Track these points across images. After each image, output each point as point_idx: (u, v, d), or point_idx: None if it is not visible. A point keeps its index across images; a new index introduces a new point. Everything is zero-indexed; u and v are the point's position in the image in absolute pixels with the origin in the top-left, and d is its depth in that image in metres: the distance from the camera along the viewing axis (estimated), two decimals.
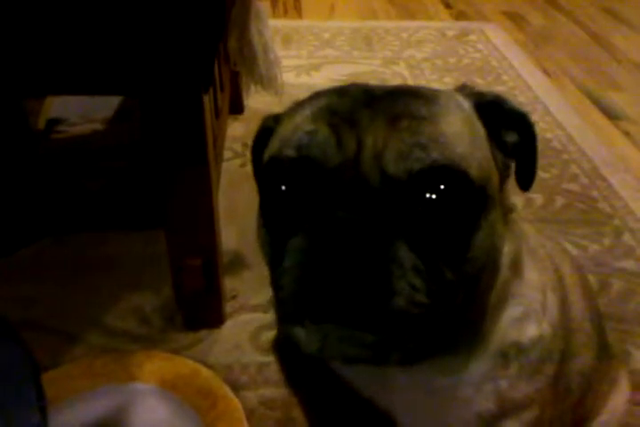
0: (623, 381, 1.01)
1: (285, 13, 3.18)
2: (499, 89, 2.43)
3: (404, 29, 3.00)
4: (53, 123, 1.90)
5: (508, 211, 0.67)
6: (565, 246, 1.54)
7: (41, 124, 1.88)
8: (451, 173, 0.56)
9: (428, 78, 2.53)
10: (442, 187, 0.56)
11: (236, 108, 2.15)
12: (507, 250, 0.66)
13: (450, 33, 2.98)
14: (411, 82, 2.48)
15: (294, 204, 0.58)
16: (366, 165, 0.56)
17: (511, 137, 0.66)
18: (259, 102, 2.13)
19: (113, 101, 1.97)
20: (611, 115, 2.33)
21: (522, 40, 2.95)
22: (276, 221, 0.60)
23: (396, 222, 0.54)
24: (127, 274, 1.50)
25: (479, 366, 0.68)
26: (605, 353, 0.95)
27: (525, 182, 0.68)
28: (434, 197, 0.56)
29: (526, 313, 0.69)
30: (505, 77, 2.56)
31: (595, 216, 1.78)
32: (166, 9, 1.01)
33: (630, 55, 2.81)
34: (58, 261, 1.53)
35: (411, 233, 0.54)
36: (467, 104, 0.65)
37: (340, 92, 0.63)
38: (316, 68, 2.58)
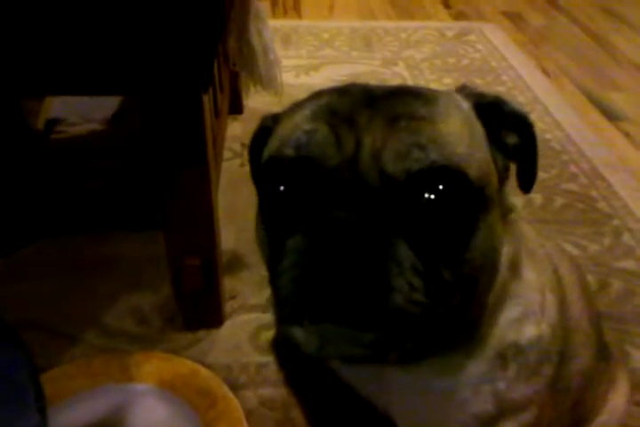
0: (622, 381, 1.01)
1: (285, 14, 3.18)
2: (498, 89, 2.43)
3: (403, 30, 3.00)
4: (53, 123, 1.90)
5: (507, 211, 0.67)
6: (564, 247, 1.54)
7: (40, 124, 1.88)
8: (449, 173, 0.56)
9: (427, 78, 2.53)
10: (440, 187, 0.56)
11: (236, 108, 2.15)
12: (505, 251, 0.66)
13: (449, 33, 2.98)
14: (410, 82, 2.48)
15: (293, 203, 0.58)
16: (365, 165, 0.56)
17: (512, 138, 0.66)
18: (258, 102, 2.13)
19: (112, 102, 1.97)
20: (610, 115, 2.33)
21: (521, 40, 2.95)
22: (274, 221, 0.60)
23: (395, 222, 0.54)
24: (126, 274, 1.50)
25: (477, 367, 0.67)
26: (604, 353, 0.95)
27: (526, 184, 0.68)
28: (432, 197, 0.56)
29: (525, 314, 0.69)
30: (504, 78, 2.56)
31: (594, 216, 1.78)
32: (166, 9, 1.01)
33: (630, 55, 2.81)
34: (57, 261, 1.53)
35: (409, 233, 0.54)
36: (466, 105, 0.65)
37: (340, 91, 0.63)
38: (316, 68, 2.58)
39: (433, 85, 2.42)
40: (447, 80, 2.52)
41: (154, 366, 1.20)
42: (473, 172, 0.58)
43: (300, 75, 2.51)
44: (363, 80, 0.67)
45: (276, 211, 0.60)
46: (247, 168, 0.75)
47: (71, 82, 1.07)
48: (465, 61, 2.70)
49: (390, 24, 3.09)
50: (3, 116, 1.66)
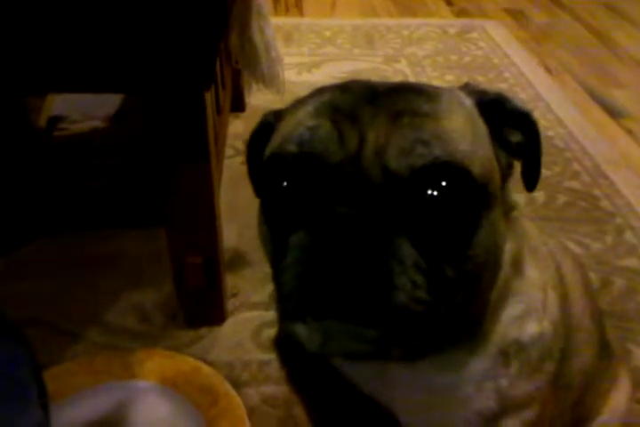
0: (624, 379, 1.01)
1: (287, 11, 3.17)
2: (500, 86, 2.43)
3: (405, 27, 2.99)
4: (55, 120, 1.90)
5: (509, 209, 0.67)
6: (567, 244, 1.54)
7: (42, 121, 1.88)
8: (452, 169, 0.56)
9: (429, 76, 2.53)
10: (443, 184, 0.56)
11: (238, 105, 2.15)
12: (508, 248, 0.66)
13: (451, 30, 2.97)
14: (412, 79, 2.48)
15: (296, 200, 0.58)
16: (368, 161, 0.56)
17: (515, 136, 0.66)
18: (260, 100, 2.13)
19: (114, 99, 1.97)
20: (613, 112, 2.33)
21: (523, 37, 2.94)
22: (277, 218, 0.60)
23: (398, 219, 0.54)
24: (128, 272, 1.50)
25: (480, 364, 0.67)
26: (606, 351, 0.95)
27: (530, 182, 0.68)
28: (435, 193, 0.56)
29: (527, 311, 0.69)
30: (506, 75, 2.56)
31: (597, 214, 1.78)
32: (168, 6, 1.01)
33: (632, 52, 2.80)
34: (58, 259, 1.53)
35: (412, 230, 0.54)
36: (469, 102, 0.65)
37: (343, 88, 0.62)
38: (317, 65, 2.58)
39: (435, 83, 2.42)
40: (449, 77, 2.51)
41: (156, 364, 1.21)
42: (476, 168, 0.58)
43: (302, 72, 2.51)
44: (365, 77, 0.67)
45: (278, 207, 0.60)
46: None
47: (73, 79, 1.07)
48: (467, 59, 2.70)
49: (392, 21, 3.09)
50: (5, 114, 1.66)
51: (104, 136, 1.87)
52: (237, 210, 1.61)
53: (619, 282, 1.53)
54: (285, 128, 0.63)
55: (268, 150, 0.64)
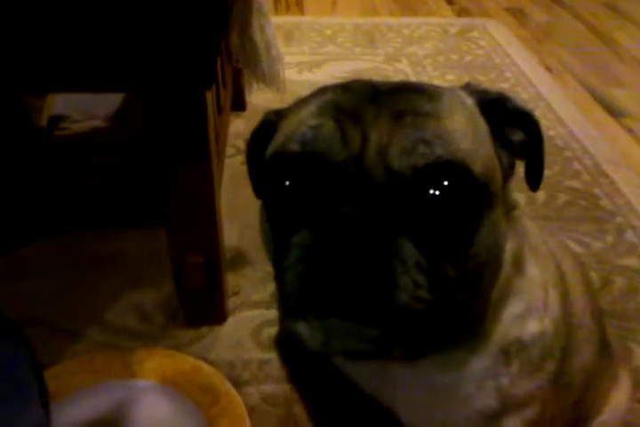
0: (625, 379, 1.01)
1: (287, 10, 3.17)
2: (501, 86, 2.43)
3: (406, 26, 2.99)
4: (56, 120, 1.90)
5: (510, 208, 0.67)
6: (567, 243, 1.54)
7: (43, 120, 1.88)
8: (454, 168, 0.56)
9: (430, 75, 2.53)
10: (445, 183, 0.56)
11: (239, 104, 2.15)
12: (509, 247, 0.66)
13: (452, 29, 2.97)
14: (413, 79, 2.48)
15: (298, 199, 0.58)
16: (371, 161, 0.56)
17: (517, 136, 0.66)
18: (261, 99, 2.13)
19: (115, 98, 1.97)
20: (613, 112, 2.32)
21: (524, 36, 2.94)
22: (279, 217, 0.60)
23: (400, 218, 0.54)
24: (128, 271, 1.50)
25: (481, 363, 0.68)
26: (606, 351, 0.95)
27: (534, 182, 0.68)
28: (437, 193, 0.56)
29: (528, 310, 0.69)
30: (507, 74, 2.56)
31: (597, 213, 1.78)
32: (169, 5, 1.01)
33: (633, 52, 2.80)
34: (59, 258, 1.53)
35: (414, 229, 0.55)
36: (470, 101, 0.65)
37: (345, 87, 0.63)
38: (318, 64, 2.58)
39: (436, 82, 2.41)
40: (450, 77, 2.51)
41: (156, 363, 1.21)
42: (477, 168, 0.58)
43: (303, 71, 2.51)
44: (365, 76, 0.67)
45: (281, 206, 0.60)
46: None
47: (74, 78, 1.07)
48: (468, 58, 2.69)
49: (393, 20, 3.09)
50: (6, 113, 1.66)
51: (105, 135, 1.87)
52: (238, 209, 1.61)
53: (619, 281, 1.53)
54: (288, 127, 0.63)
55: (271, 149, 0.64)
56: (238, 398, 1.14)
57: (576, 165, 1.98)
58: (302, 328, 0.58)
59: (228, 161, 1.83)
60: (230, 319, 1.39)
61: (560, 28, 3.08)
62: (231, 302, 1.42)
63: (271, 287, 0.61)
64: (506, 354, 0.68)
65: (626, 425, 1.01)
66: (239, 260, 1.54)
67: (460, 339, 0.65)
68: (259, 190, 0.71)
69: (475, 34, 2.93)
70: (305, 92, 0.66)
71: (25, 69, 1.05)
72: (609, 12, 3.24)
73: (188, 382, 1.17)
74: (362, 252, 0.52)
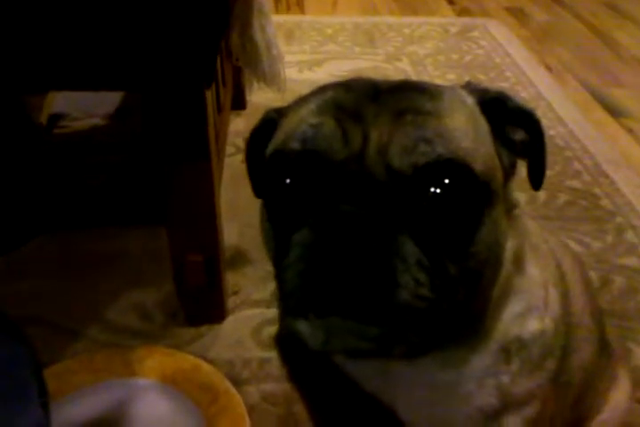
0: (624, 378, 1.01)
1: (288, 9, 3.17)
2: (501, 85, 2.43)
3: (406, 25, 2.99)
4: (55, 118, 1.90)
5: (511, 207, 0.67)
6: (567, 243, 1.54)
7: (43, 119, 1.88)
8: (455, 167, 0.57)
9: (430, 75, 2.53)
10: (446, 181, 0.56)
11: (239, 103, 2.15)
12: (509, 245, 0.66)
13: (453, 29, 2.97)
14: (413, 78, 2.48)
15: (299, 197, 0.58)
16: (371, 159, 0.56)
17: (519, 135, 0.66)
18: (261, 98, 2.13)
19: (115, 97, 1.97)
20: (613, 111, 2.32)
21: (525, 36, 2.94)
22: (280, 215, 0.60)
23: (401, 217, 0.54)
24: (128, 270, 1.50)
25: (481, 361, 0.68)
26: (606, 349, 0.95)
27: (536, 181, 0.68)
28: (438, 191, 0.56)
29: (528, 309, 0.70)
30: (508, 74, 2.56)
31: (597, 213, 1.78)
32: (169, 4, 1.01)
33: (633, 51, 2.80)
34: (59, 257, 1.53)
35: (415, 227, 0.55)
36: (470, 100, 0.65)
37: (346, 86, 0.63)
38: (319, 63, 2.58)
39: (436, 81, 2.41)
40: (450, 76, 2.51)
41: (156, 362, 1.21)
42: (478, 166, 0.58)
43: (304, 70, 2.51)
44: (366, 75, 0.67)
45: (281, 205, 0.60)
46: None
47: (74, 77, 1.07)
48: (468, 57, 2.69)
49: (393, 20, 3.09)
50: (6, 111, 1.66)
51: (104, 134, 1.87)
52: (238, 208, 1.61)
53: (619, 281, 1.53)
54: (288, 125, 0.63)
55: (271, 147, 0.64)
56: (238, 397, 1.14)
57: (576, 165, 1.98)
58: (303, 327, 0.58)
59: (228, 160, 1.83)
60: (230, 318, 1.39)
61: (560, 28, 3.08)
62: (231, 301, 1.42)
63: (271, 286, 0.61)
64: (506, 352, 0.68)
65: (625, 425, 1.01)
66: (239, 259, 1.54)
67: (460, 337, 0.65)
68: (258, 189, 0.71)
69: (475, 33, 2.93)
70: (305, 90, 0.66)
71: (25, 68, 1.05)
72: (609, 11, 3.24)
73: (188, 381, 1.17)
74: (363, 250, 0.52)
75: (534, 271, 0.71)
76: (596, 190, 1.87)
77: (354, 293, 0.53)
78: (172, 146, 1.16)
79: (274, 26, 1.86)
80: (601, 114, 2.32)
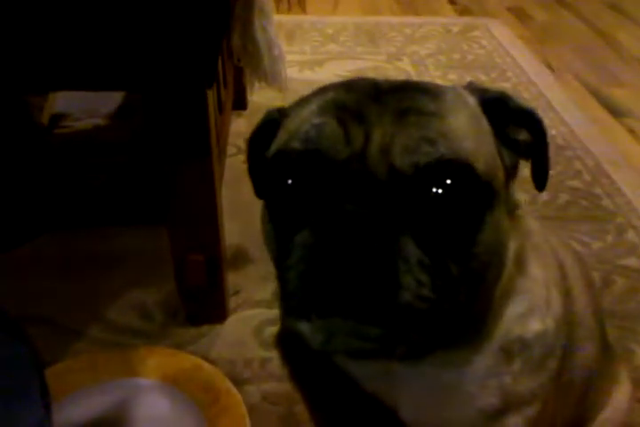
0: (625, 378, 1.01)
1: (289, 9, 3.17)
2: (503, 85, 2.43)
3: (407, 25, 2.99)
4: (57, 118, 1.90)
5: (513, 208, 0.67)
6: (569, 242, 1.54)
7: (45, 118, 1.88)
8: (457, 167, 0.56)
9: (431, 75, 2.53)
10: (448, 181, 0.56)
11: (240, 103, 2.15)
12: (512, 246, 0.66)
13: (454, 29, 2.97)
14: (415, 78, 2.48)
15: (301, 198, 0.58)
16: (373, 159, 0.56)
17: (522, 135, 0.66)
18: (262, 98, 2.13)
19: (116, 97, 1.97)
20: (615, 111, 2.32)
21: (526, 36, 2.94)
22: (281, 216, 0.60)
23: (403, 217, 0.54)
24: (129, 269, 1.50)
25: (483, 361, 0.68)
26: (607, 349, 0.95)
27: (540, 182, 0.68)
28: (440, 191, 0.56)
29: (530, 309, 0.69)
30: (509, 74, 2.56)
31: (598, 213, 1.78)
32: (170, 4, 1.01)
33: (635, 51, 2.80)
34: (60, 256, 1.53)
35: (417, 228, 0.55)
36: (472, 100, 0.65)
37: (347, 86, 0.63)
38: (320, 63, 2.58)
39: (437, 81, 2.41)
40: (452, 76, 2.51)
41: (157, 361, 1.21)
42: (480, 166, 0.58)
43: (305, 70, 2.51)
44: (367, 75, 0.67)
45: (283, 205, 0.60)
46: None
47: (75, 77, 1.07)
48: (470, 57, 2.69)
49: (395, 19, 3.09)
50: (8, 111, 1.66)
51: (106, 134, 1.87)
52: (239, 208, 1.61)
53: (620, 281, 1.53)
54: (291, 125, 0.63)
55: (274, 147, 0.64)
56: (239, 397, 1.14)
57: (577, 165, 1.98)
58: (304, 327, 0.58)
59: (229, 160, 1.83)
60: (231, 318, 1.39)
61: (562, 28, 3.07)
62: (232, 301, 1.42)
63: (272, 286, 0.61)
64: (508, 353, 0.68)
65: (626, 424, 1.01)
66: (240, 258, 1.54)
67: (462, 337, 0.65)
68: (259, 190, 0.71)
69: (476, 33, 2.93)
70: (307, 90, 0.66)
71: (27, 68, 1.05)
72: (611, 11, 3.24)
73: (189, 381, 1.17)
74: (365, 251, 0.52)
75: (536, 271, 0.71)
76: (597, 190, 1.87)
77: (356, 293, 0.53)
78: (174, 146, 1.16)
79: (275, 26, 1.86)
80: (602, 114, 2.32)
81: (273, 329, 1.02)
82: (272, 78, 1.90)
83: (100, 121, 1.91)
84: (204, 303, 1.36)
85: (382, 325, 0.55)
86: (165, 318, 1.38)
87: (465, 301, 0.59)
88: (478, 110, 0.64)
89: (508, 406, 0.69)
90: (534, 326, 0.69)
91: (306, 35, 2.84)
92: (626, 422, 1.00)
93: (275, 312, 0.60)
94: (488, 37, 2.88)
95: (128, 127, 1.87)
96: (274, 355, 1.13)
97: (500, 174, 0.63)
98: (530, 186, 0.69)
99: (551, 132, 2.12)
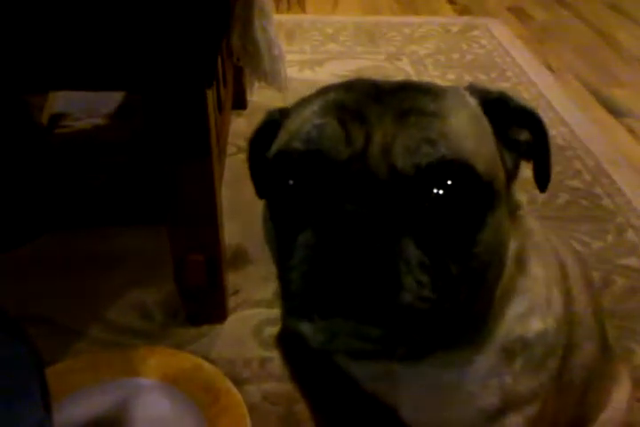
0: (625, 378, 1.01)
1: (289, 9, 3.17)
2: (503, 85, 2.43)
3: (407, 25, 2.99)
4: (57, 118, 1.90)
5: (514, 208, 0.67)
6: (570, 242, 1.54)
7: (44, 118, 1.88)
8: (458, 167, 0.57)
9: (431, 74, 2.52)
10: (449, 182, 0.56)
11: (240, 103, 2.15)
12: (513, 246, 0.66)
13: (453, 28, 2.97)
14: (414, 78, 2.48)
15: (302, 198, 0.58)
16: (374, 159, 0.56)
17: (523, 135, 0.66)
18: (262, 97, 2.13)
19: (116, 96, 1.97)
20: (614, 111, 2.32)
21: (526, 36, 2.94)
22: (283, 216, 0.60)
23: (404, 217, 0.54)
24: (129, 269, 1.50)
25: (484, 361, 0.68)
26: (607, 349, 0.95)
27: (542, 182, 0.68)
28: (441, 192, 0.56)
29: (531, 308, 0.70)
30: (509, 73, 2.56)
31: (598, 213, 1.78)
32: (170, 4, 1.01)
33: (635, 51, 2.80)
34: (60, 256, 1.53)
35: (418, 228, 0.55)
36: (473, 101, 0.65)
37: (348, 87, 0.63)
38: (320, 63, 2.58)
39: (437, 81, 2.41)
40: (451, 76, 2.51)
41: (157, 361, 1.21)
42: (481, 166, 0.58)
43: (304, 70, 2.51)
44: (367, 75, 0.67)
45: (284, 205, 0.60)
46: None
47: (75, 77, 1.07)
48: (469, 57, 2.69)
49: (394, 19, 3.09)
50: (7, 111, 1.66)
51: (105, 133, 1.87)
52: (239, 208, 1.61)
53: (620, 281, 1.53)
54: (292, 126, 0.63)
55: (275, 148, 0.64)
56: (239, 397, 1.14)
57: (577, 165, 1.98)
58: (305, 327, 0.58)
59: (229, 159, 1.83)
60: (231, 318, 1.39)
61: (562, 28, 3.07)
62: (232, 301, 1.42)
63: (272, 286, 0.61)
64: (509, 352, 0.68)
65: (626, 424, 1.01)
66: (240, 258, 1.54)
67: (463, 338, 0.65)
68: (260, 190, 0.72)
69: (476, 33, 2.93)
70: (306, 90, 0.66)
71: (27, 68, 1.05)
72: (610, 11, 3.24)
73: (189, 381, 1.17)
74: (366, 251, 0.52)
75: (537, 271, 0.71)
76: (597, 190, 1.87)
77: (357, 294, 0.53)
78: (174, 146, 1.16)
79: (275, 25, 1.86)
80: (602, 114, 2.32)
81: (273, 329, 1.02)
82: (272, 78, 1.90)
83: (99, 121, 1.91)
84: (203, 303, 1.36)
85: (383, 325, 0.55)
86: (165, 318, 1.38)
87: (465, 301, 0.59)
88: (479, 111, 0.64)
89: (509, 405, 0.69)
90: (535, 325, 0.69)
91: (305, 34, 2.84)
92: (626, 422, 1.00)
93: (274, 312, 0.60)
94: (488, 37, 2.88)
95: (128, 127, 1.87)
96: (274, 355, 1.14)
97: (501, 175, 0.63)
98: (530, 186, 0.69)
99: (551, 132, 2.09)
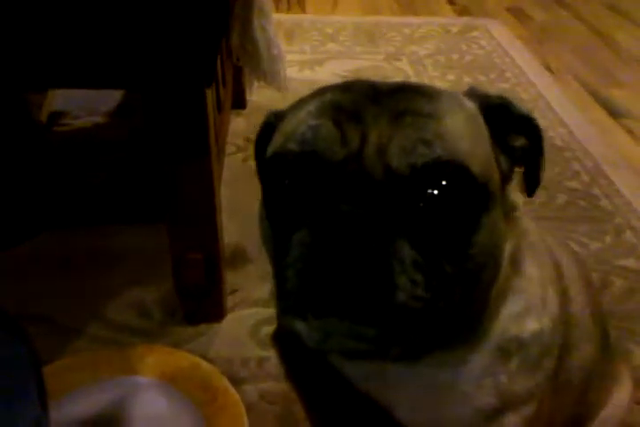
0: (625, 378, 1.01)
1: (289, 8, 3.17)
2: (502, 86, 2.43)
3: (406, 25, 2.99)
4: (56, 116, 1.90)
5: (510, 209, 0.67)
6: (567, 243, 1.54)
7: (43, 116, 1.88)
8: (453, 168, 0.57)
9: (430, 75, 2.53)
10: (444, 183, 0.56)
11: (239, 102, 2.15)
12: (508, 246, 0.66)
13: (453, 29, 2.97)
14: (413, 78, 2.48)
15: (298, 198, 0.58)
16: (370, 160, 0.56)
17: (519, 141, 0.66)
18: (261, 97, 2.13)
19: (116, 94, 1.97)
20: (613, 112, 2.33)
21: (525, 36, 2.94)
22: (279, 216, 0.60)
23: (398, 217, 0.55)
24: (128, 268, 1.50)
25: (479, 361, 0.68)
26: (607, 349, 0.95)
27: (531, 187, 0.69)
28: (436, 192, 0.56)
29: (527, 308, 0.70)
30: (508, 74, 2.56)
31: (596, 214, 1.78)
32: (170, 3, 1.01)
33: (634, 52, 2.80)
34: (59, 254, 1.53)
35: (412, 228, 0.55)
36: (470, 104, 0.65)
37: (344, 88, 0.63)
38: (319, 63, 2.58)
39: (436, 82, 2.42)
40: (450, 77, 2.51)
41: (155, 360, 1.21)
42: (476, 168, 0.58)
43: (304, 70, 2.51)
44: (366, 75, 0.67)
45: (281, 205, 0.60)
46: (250, 163, 0.76)
47: (74, 75, 1.07)
48: (468, 58, 2.69)
49: (394, 19, 3.09)
50: (6, 109, 1.66)
51: (105, 132, 1.87)
52: (238, 207, 1.61)
53: (618, 282, 1.53)
54: (287, 128, 0.63)
55: (270, 149, 0.65)
56: (237, 396, 1.14)
57: (575, 166, 1.98)
58: (300, 326, 0.58)
59: (228, 159, 1.83)
60: (229, 317, 1.39)
61: (561, 29, 3.08)
62: (230, 300, 1.42)
63: (270, 285, 0.61)
64: (504, 352, 0.68)
65: (626, 424, 1.01)
66: (238, 257, 1.54)
67: (458, 337, 0.65)
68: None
69: (475, 34, 2.93)
70: (306, 90, 0.66)
71: (26, 66, 1.05)
72: (609, 12, 3.24)
73: (187, 380, 1.17)
74: (361, 251, 0.53)
75: (532, 271, 0.71)
76: (595, 191, 1.87)
77: (351, 294, 0.53)
78: (173, 144, 1.17)
79: (274, 25, 1.86)
80: (601, 114, 2.32)
81: (270, 328, 1.02)
82: (271, 77, 1.90)
83: (99, 119, 1.91)
84: (202, 302, 1.36)
85: (377, 325, 0.55)
86: (164, 317, 1.38)
87: (460, 301, 0.59)
88: (476, 114, 0.65)
89: (505, 405, 0.69)
90: (531, 325, 0.70)
91: (305, 34, 2.84)
92: (626, 421, 1.01)
93: (272, 311, 0.60)
94: (487, 38, 2.89)
95: (127, 125, 1.87)
96: (271, 354, 1.14)
97: (496, 176, 0.63)
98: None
99: (549, 133, 2.12)
